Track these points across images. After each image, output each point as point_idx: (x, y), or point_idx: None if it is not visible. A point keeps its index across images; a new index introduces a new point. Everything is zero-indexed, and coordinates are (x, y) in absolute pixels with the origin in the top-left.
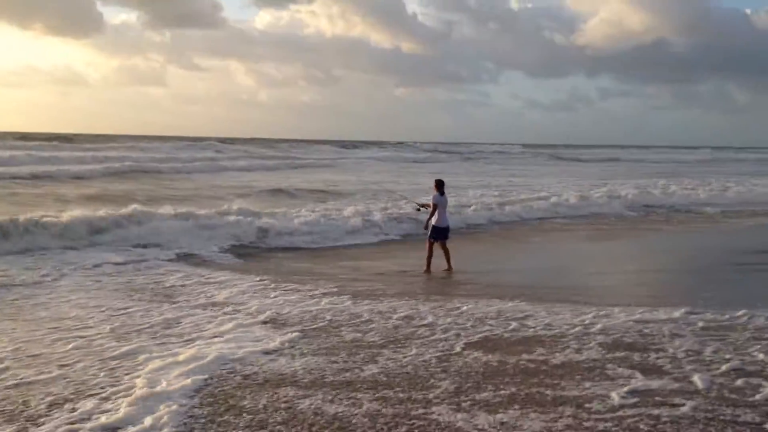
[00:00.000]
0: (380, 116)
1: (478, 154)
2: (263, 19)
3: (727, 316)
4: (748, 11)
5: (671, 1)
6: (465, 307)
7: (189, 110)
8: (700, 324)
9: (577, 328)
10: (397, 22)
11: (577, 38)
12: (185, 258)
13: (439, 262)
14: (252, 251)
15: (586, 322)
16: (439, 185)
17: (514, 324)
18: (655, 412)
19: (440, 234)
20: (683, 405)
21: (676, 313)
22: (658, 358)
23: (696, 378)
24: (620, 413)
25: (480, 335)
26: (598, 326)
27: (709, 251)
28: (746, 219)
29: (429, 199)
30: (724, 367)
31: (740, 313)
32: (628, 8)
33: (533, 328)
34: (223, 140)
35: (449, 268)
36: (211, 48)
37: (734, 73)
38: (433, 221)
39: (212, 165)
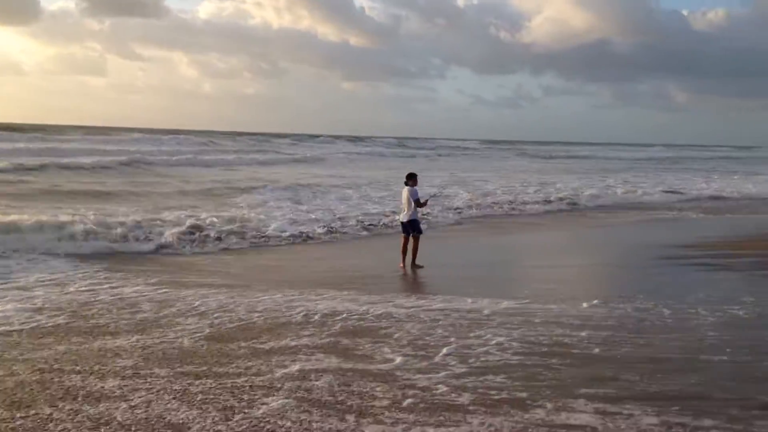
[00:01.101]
0: (327, 110)
1: (445, 150)
2: (207, 8)
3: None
4: (685, 12)
5: (614, 2)
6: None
7: (129, 100)
8: (486, 311)
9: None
10: (345, 16)
11: (522, 36)
12: None
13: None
14: None
15: (361, 309)
16: (410, 178)
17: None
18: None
19: (403, 228)
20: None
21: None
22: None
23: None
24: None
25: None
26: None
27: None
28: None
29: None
30: (443, 351)
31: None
32: (573, 8)
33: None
34: (169, 131)
35: (411, 265)
36: (153, 37)
37: (673, 73)
38: (407, 216)
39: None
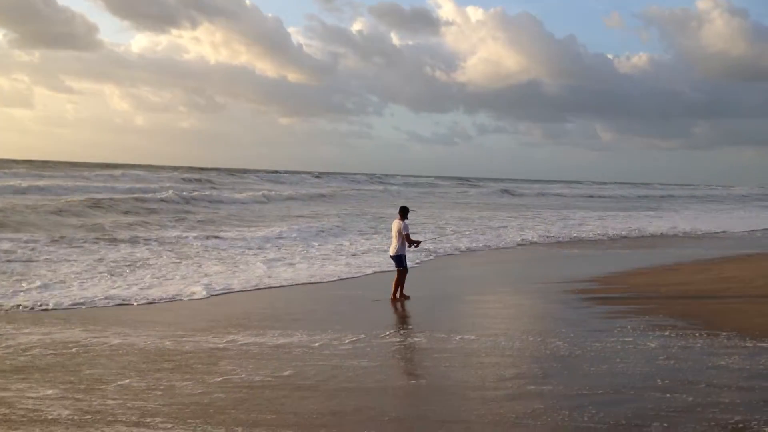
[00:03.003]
0: (264, 144)
1: (404, 186)
2: (141, 42)
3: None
4: (610, 56)
5: (544, 46)
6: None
7: (57, 133)
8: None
9: None
10: (283, 52)
11: (457, 75)
12: None
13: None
14: None
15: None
16: (403, 212)
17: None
18: None
19: (393, 261)
20: None
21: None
22: None
23: None
24: None
25: None
26: None
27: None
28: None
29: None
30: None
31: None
32: (505, 50)
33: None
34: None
35: (400, 296)
36: (84, 70)
37: (599, 113)
38: (395, 250)
39: None
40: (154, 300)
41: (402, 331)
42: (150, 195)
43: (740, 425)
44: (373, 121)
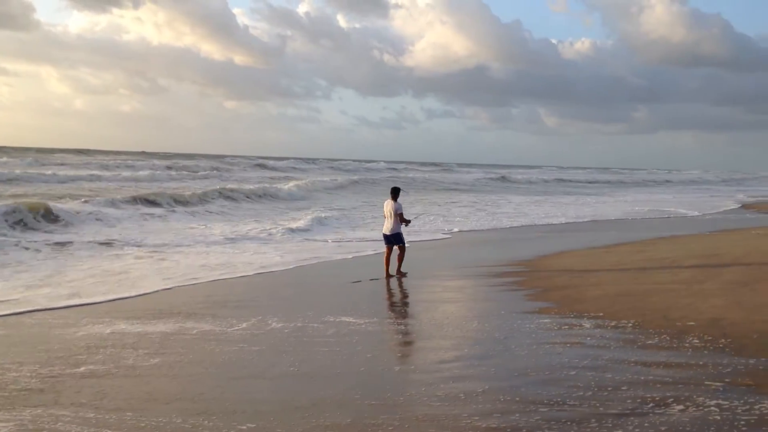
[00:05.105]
0: (209, 128)
1: (374, 173)
2: (80, 22)
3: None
4: (554, 41)
5: (491, 31)
6: None
7: None
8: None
9: None
10: (229, 34)
11: (405, 60)
12: None
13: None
14: None
15: None
16: (395, 192)
17: None
18: None
19: (385, 240)
20: None
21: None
22: None
23: None
24: None
25: None
26: None
27: None
28: None
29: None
30: None
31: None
32: (453, 34)
33: None
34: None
35: (396, 272)
36: (20, 51)
37: (543, 98)
38: (391, 229)
39: None
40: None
41: (333, 317)
42: None
43: (669, 400)
44: (321, 105)
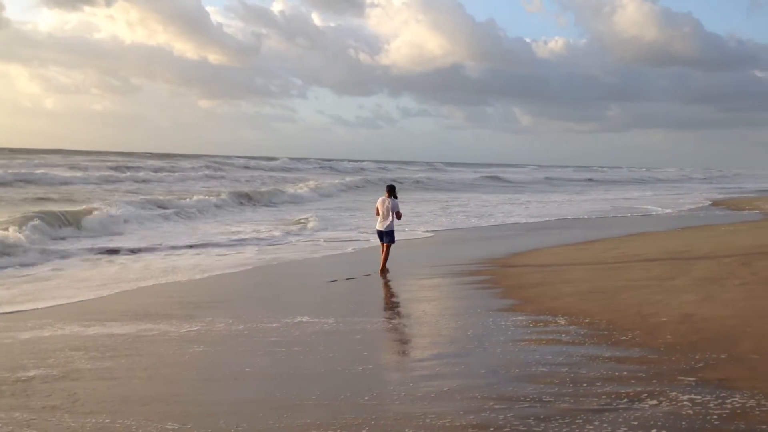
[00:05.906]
0: (183, 128)
1: (362, 173)
2: (51, 20)
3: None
4: (528, 40)
5: (466, 30)
6: None
7: None
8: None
9: None
10: (202, 33)
11: (381, 58)
12: None
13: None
14: None
15: None
16: (391, 190)
17: None
18: None
19: (379, 236)
20: None
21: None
22: None
23: None
24: None
25: None
26: None
27: None
28: None
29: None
30: None
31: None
32: (428, 33)
33: None
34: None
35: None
36: None
37: (518, 97)
38: (387, 226)
39: None
40: None
41: (316, 317)
42: None
43: (643, 395)
44: (297, 104)
